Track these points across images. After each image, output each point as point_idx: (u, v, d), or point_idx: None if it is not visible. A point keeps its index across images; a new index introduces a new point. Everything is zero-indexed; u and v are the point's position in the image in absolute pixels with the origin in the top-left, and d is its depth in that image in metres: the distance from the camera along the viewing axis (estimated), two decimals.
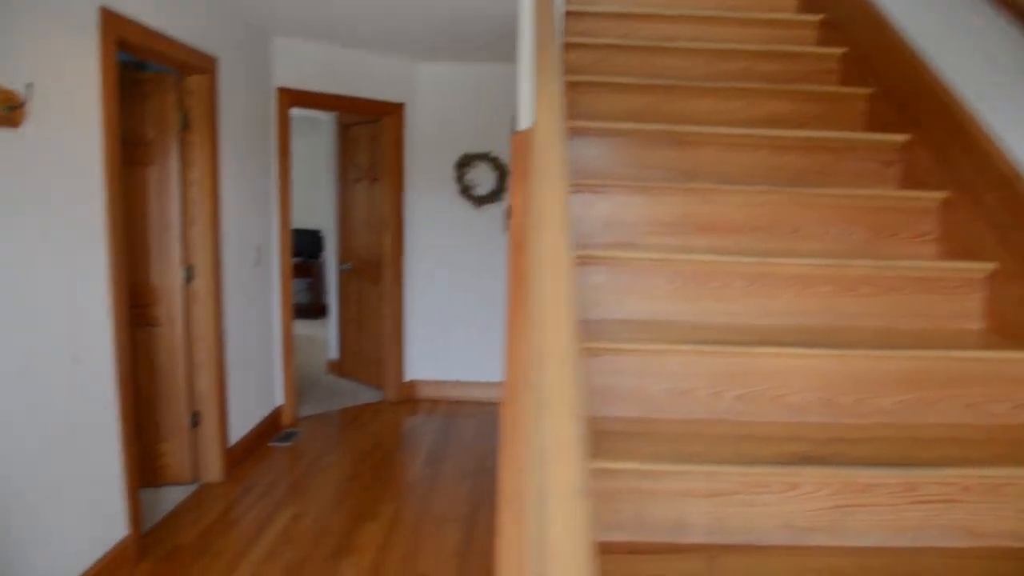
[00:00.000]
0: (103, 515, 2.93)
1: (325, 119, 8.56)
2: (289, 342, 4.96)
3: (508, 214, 3.50)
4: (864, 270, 2.26)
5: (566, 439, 0.88)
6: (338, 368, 6.43)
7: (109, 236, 2.89)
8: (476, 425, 5.21)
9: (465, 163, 5.51)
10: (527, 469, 1.05)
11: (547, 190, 1.23)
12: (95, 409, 2.88)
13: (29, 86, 2.34)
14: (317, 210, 8.79)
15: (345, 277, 6.27)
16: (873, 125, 2.94)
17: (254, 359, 4.53)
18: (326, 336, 7.72)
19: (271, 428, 4.81)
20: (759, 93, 2.98)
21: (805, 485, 1.78)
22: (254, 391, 4.55)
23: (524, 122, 2.58)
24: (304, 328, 8.27)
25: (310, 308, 9.30)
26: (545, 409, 0.92)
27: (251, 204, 4.40)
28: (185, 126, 3.67)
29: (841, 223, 2.52)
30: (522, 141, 2.50)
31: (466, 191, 5.54)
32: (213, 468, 4.00)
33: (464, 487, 4.08)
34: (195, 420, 3.93)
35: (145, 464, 3.58)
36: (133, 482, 3.09)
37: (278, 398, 4.98)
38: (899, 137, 2.69)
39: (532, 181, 1.40)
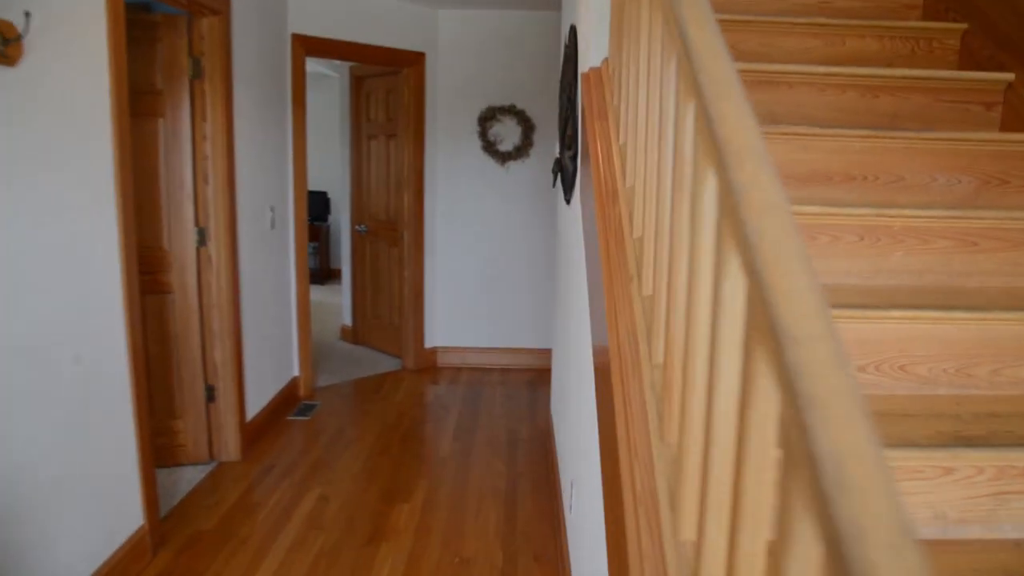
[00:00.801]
0: (117, 504, 2.66)
1: (333, 75, 8.20)
2: (305, 309, 4.67)
3: (558, 167, 3.21)
4: (987, 222, 1.98)
5: (866, 456, 0.60)
6: (352, 335, 6.15)
7: (119, 194, 2.58)
8: (504, 394, 4.96)
9: (489, 117, 5.18)
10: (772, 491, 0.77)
11: (731, 114, 0.92)
12: (106, 387, 2.59)
13: (27, 15, 2.01)
14: (324, 170, 8.47)
15: (359, 239, 5.96)
16: (964, 65, 2.66)
17: (270, 328, 4.24)
18: (336, 302, 7.45)
19: (288, 401, 4.54)
20: (839, 30, 2.68)
21: (962, 469, 1.51)
22: (271, 362, 4.28)
23: (593, 58, 2.27)
24: (312, 294, 7.97)
25: (317, 273, 9.00)
26: (817, 410, 0.64)
27: (266, 161, 4.08)
28: (197, 74, 3.33)
29: (948, 171, 2.23)
30: (596, 78, 2.19)
31: (490, 147, 5.22)
32: (230, 446, 3.73)
33: (499, 461, 3.83)
34: (210, 395, 3.65)
35: (158, 443, 3.31)
36: (148, 466, 2.82)
37: (294, 368, 4.70)
38: (1006, 76, 2.39)
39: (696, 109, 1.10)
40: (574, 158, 2.70)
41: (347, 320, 6.22)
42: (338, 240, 8.98)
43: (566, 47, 3.08)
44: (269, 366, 4.24)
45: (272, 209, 4.18)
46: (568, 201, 3.02)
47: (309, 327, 4.73)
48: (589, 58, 2.32)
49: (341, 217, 8.75)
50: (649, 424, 1.33)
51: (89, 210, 2.45)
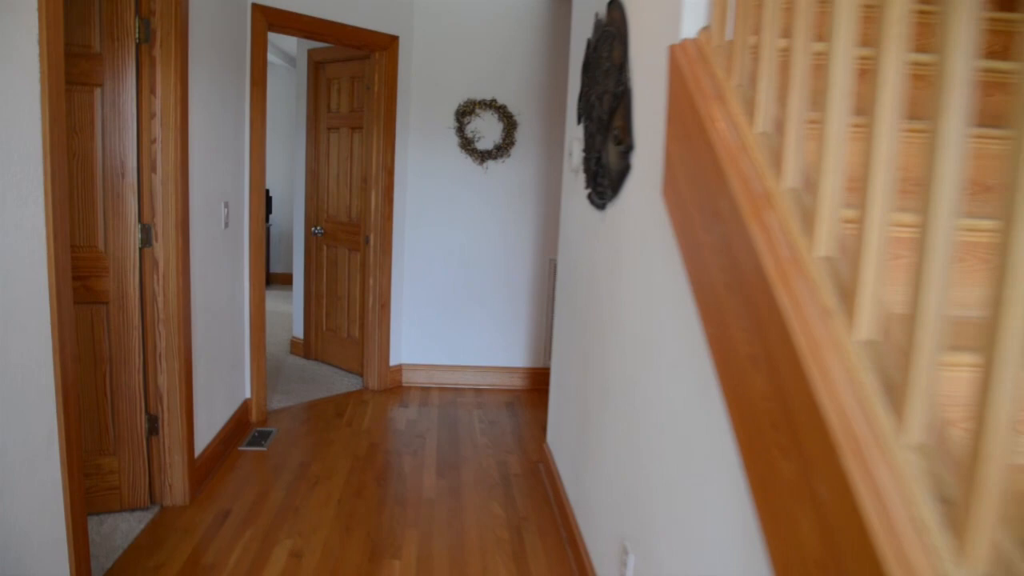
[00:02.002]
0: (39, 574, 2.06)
1: (279, 63, 7.55)
2: (260, 322, 4.06)
3: (596, 165, 2.73)
4: None
5: None
6: (304, 349, 5.53)
7: (50, 180, 1.99)
8: (483, 418, 4.44)
9: (468, 111, 4.67)
10: None
11: None
12: (27, 423, 1.99)
13: None
14: (268, 167, 7.79)
15: (314, 243, 5.35)
16: None
17: (223, 345, 3.63)
18: (280, 310, 6.82)
19: (239, 428, 3.93)
20: (933, 20, 2.29)
21: None
22: (222, 385, 3.66)
23: (687, 28, 1.81)
24: None
25: None
26: None
27: (221, 149, 3.47)
28: (146, 38, 2.73)
29: None
30: (696, 53, 1.73)
31: (467, 144, 4.71)
32: (176, 487, 3.12)
33: (496, 503, 3.32)
34: (152, 426, 3.04)
35: (85, 485, 2.69)
36: (80, 525, 2.21)
37: (246, 390, 4.09)
38: None
39: None
40: (626, 153, 2.24)
41: (298, 332, 5.59)
42: (281, 242, 8.28)
43: (603, 26, 2.62)
44: (220, 390, 3.63)
45: (226, 205, 3.58)
46: (602, 207, 2.56)
47: (264, 343, 4.13)
48: (671, 29, 1.86)
49: (287, 217, 8.08)
50: (931, 536, 0.87)
51: (12, 200, 1.85)
